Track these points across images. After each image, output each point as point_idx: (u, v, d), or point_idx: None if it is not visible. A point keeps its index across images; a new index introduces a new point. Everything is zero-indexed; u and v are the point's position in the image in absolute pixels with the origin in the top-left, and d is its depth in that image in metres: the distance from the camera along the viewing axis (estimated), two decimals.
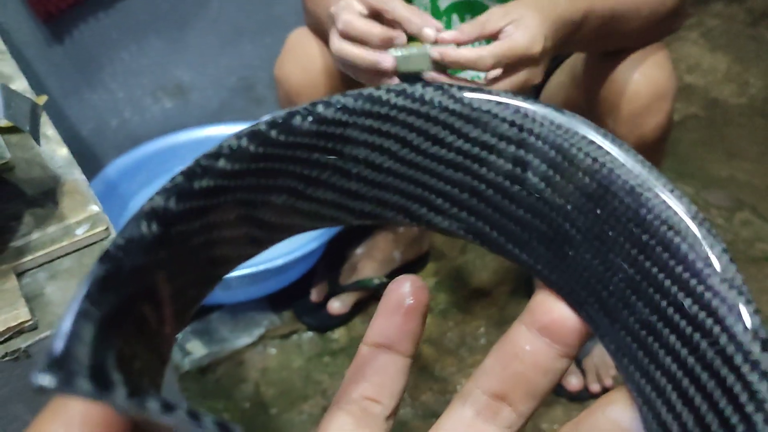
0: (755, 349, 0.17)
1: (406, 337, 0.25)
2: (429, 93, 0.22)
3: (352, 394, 0.25)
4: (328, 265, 1.35)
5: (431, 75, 0.78)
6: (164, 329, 0.19)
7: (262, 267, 1.19)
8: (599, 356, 1.16)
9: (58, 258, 0.60)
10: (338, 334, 1.28)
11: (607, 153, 0.20)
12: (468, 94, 0.22)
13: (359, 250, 1.34)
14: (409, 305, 0.24)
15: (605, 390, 1.14)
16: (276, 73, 1.08)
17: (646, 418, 0.20)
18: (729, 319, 0.18)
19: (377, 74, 0.78)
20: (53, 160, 0.72)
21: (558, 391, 1.15)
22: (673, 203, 0.20)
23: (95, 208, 0.64)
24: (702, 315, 0.18)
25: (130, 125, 1.54)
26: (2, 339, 0.52)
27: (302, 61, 1.04)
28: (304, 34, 1.06)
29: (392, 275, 1.31)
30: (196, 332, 1.28)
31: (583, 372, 1.16)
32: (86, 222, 0.62)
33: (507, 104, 0.21)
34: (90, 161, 1.48)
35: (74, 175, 0.70)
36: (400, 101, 0.21)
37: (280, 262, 1.19)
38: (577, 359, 1.16)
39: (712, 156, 1.68)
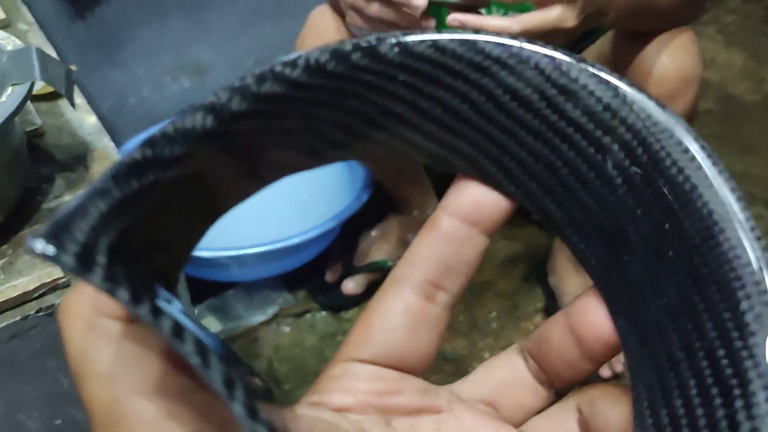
0: None
1: (496, 213, 0.23)
2: (528, 52, 0.20)
3: (417, 275, 0.23)
4: (343, 246, 1.36)
5: (454, 17, 0.78)
6: (187, 226, 0.20)
7: (278, 245, 1.20)
8: None
9: None
10: (351, 314, 1.29)
11: (699, 168, 0.19)
12: (569, 65, 0.20)
13: (374, 233, 1.35)
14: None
15: (616, 376, 1.15)
16: (297, 48, 1.10)
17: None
18: (758, 396, 0.17)
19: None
20: (82, 128, 0.73)
21: None
22: (751, 252, 0.18)
23: None
24: (730, 376, 0.17)
25: (149, 103, 1.55)
26: (37, 294, 0.53)
27: (323, 37, 1.06)
28: (326, 11, 1.08)
29: None
30: (211, 308, 1.29)
31: None
32: None
33: (608, 83, 0.20)
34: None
35: (103, 142, 0.71)
36: (496, 52, 0.20)
37: (296, 240, 1.20)
38: None
39: (726, 150, 1.68)
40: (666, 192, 0.19)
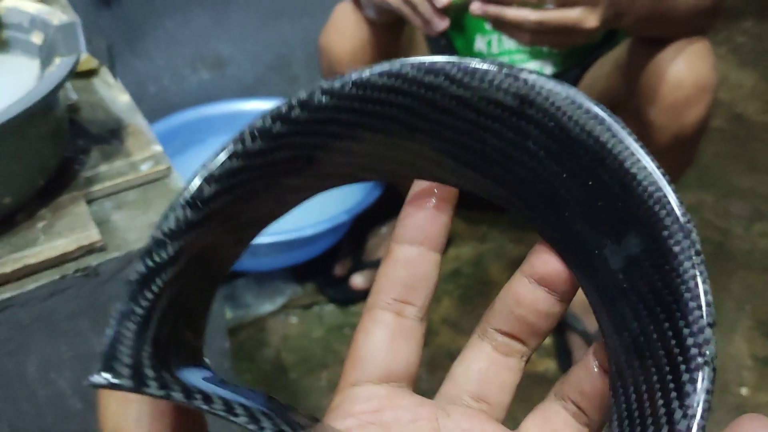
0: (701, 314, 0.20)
1: (436, 230, 0.26)
2: (439, 65, 0.23)
3: (384, 298, 0.26)
4: (353, 242, 1.38)
5: (477, 5, 0.81)
6: (200, 296, 0.23)
7: (290, 236, 1.22)
8: None
9: (124, 190, 0.63)
10: (358, 308, 1.31)
11: (604, 126, 0.22)
12: (475, 69, 0.23)
13: (384, 229, 1.37)
14: (437, 197, 0.26)
15: None
16: (320, 43, 1.13)
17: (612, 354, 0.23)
18: (686, 296, 0.20)
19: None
20: (116, 105, 0.75)
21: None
22: (658, 179, 0.21)
23: (158, 148, 0.67)
24: (664, 290, 0.21)
25: (168, 93, 1.57)
26: (76, 256, 0.55)
27: (345, 32, 1.09)
28: (349, 7, 1.10)
29: None
30: (221, 297, 1.31)
31: None
32: (150, 160, 0.66)
33: (513, 75, 0.23)
34: None
35: (136, 119, 0.73)
36: (412, 73, 0.23)
37: (309, 232, 1.23)
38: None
39: (735, 167, 1.70)
40: (582, 154, 0.22)
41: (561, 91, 0.22)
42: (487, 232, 1.46)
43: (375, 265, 1.32)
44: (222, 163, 0.22)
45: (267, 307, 1.31)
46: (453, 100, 0.23)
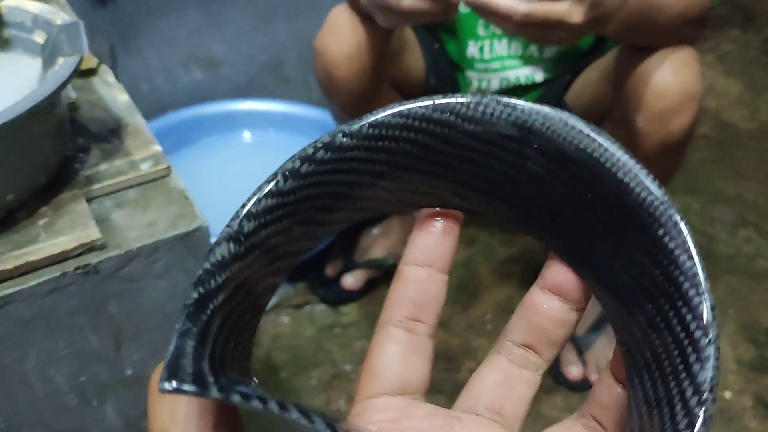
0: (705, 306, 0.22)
1: (443, 252, 0.28)
2: (442, 105, 0.26)
3: (396, 315, 0.28)
4: (345, 242, 1.39)
5: None
6: (246, 323, 0.25)
7: None
8: (600, 349, 1.20)
9: (124, 189, 0.64)
10: (349, 308, 1.32)
11: (595, 141, 0.25)
12: (478, 103, 0.26)
13: (375, 231, 1.38)
14: (444, 224, 0.28)
15: None
16: (316, 46, 1.13)
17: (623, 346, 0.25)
18: (686, 285, 0.23)
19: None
20: (115, 104, 0.76)
21: (559, 380, 1.19)
22: (650, 184, 0.24)
23: (157, 147, 0.68)
24: (668, 286, 0.23)
25: (161, 93, 1.58)
26: (76, 253, 0.56)
27: (341, 35, 1.09)
28: (345, 11, 1.11)
29: None
30: None
31: (584, 363, 1.20)
32: (150, 159, 0.67)
33: (511, 105, 0.26)
34: None
35: (135, 118, 0.74)
36: (424, 113, 0.26)
37: None
38: (579, 351, 1.21)
39: (720, 174, 1.72)
40: (577, 169, 0.25)
41: (555, 115, 0.25)
42: (477, 235, 1.48)
43: (366, 265, 1.33)
44: (259, 202, 0.25)
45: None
46: (459, 133, 0.26)
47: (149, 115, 1.53)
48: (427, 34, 1.24)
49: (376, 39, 1.09)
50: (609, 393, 0.26)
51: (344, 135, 0.26)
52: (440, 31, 1.23)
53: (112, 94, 0.78)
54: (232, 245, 0.24)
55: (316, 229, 0.28)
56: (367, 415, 0.27)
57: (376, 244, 1.36)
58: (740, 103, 2.01)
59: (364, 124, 0.26)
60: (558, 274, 0.27)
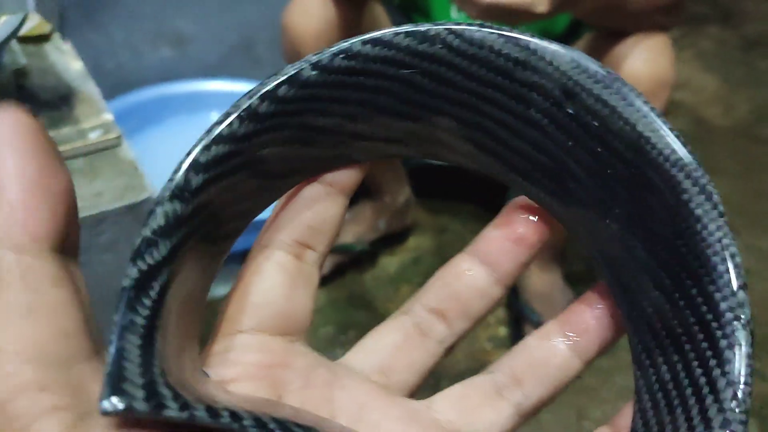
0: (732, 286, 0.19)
1: (347, 175, 0.24)
2: (434, 31, 0.21)
3: (284, 237, 0.24)
4: None
5: None
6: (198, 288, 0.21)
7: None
8: None
9: (71, 158, 0.60)
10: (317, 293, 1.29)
11: (611, 90, 0.21)
12: (473, 31, 0.21)
13: (345, 216, 1.35)
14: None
15: None
16: (283, 22, 1.09)
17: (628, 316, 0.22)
18: (714, 259, 0.19)
19: None
20: (68, 72, 0.72)
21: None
22: (673, 142, 0.20)
23: (108, 116, 0.65)
24: (689, 255, 0.20)
25: (126, 70, 1.53)
26: None
27: (310, 11, 1.06)
28: None
29: (375, 244, 1.32)
30: None
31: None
32: (99, 128, 0.63)
33: (509, 38, 0.21)
34: None
35: (88, 87, 0.70)
36: (405, 42, 0.21)
37: (265, 215, 1.20)
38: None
39: None
40: (589, 120, 0.21)
41: (565, 54, 0.21)
42: (448, 223, 1.45)
43: (334, 251, 1.30)
44: (208, 149, 0.20)
45: (222, 290, 1.28)
46: (451, 69, 0.21)
47: (113, 92, 1.49)
48: (400, 15, 1.20)
49: (346, 16, 1.06)
50: (594, 315, 0.24)
51: (313, 67, 0.21)
52: (413, 12, 1.19)
53: (65, 61, 0.74)
54: (177, 204, 0.19)
55: (275, 182, 0.23)
56: (234, 354, 0.22)
57: (346, 230, 1.32)
58: (716, 99, 2.01)
59: (337, 54, 0.21)
60: (492, 241, 0.25)
